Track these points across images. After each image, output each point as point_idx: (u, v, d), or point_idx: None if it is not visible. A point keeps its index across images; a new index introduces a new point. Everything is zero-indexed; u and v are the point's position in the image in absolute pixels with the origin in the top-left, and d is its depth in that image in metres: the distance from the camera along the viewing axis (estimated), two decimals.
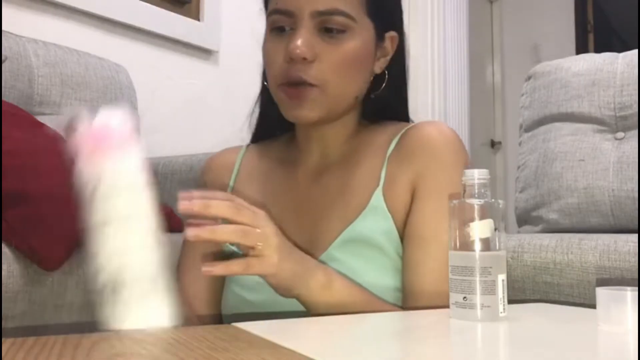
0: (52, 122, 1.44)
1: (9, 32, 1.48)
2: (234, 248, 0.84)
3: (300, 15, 0.86)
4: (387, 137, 0.94)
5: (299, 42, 0.85)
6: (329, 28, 0.86)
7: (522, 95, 1.90)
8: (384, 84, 0.95)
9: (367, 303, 0.82)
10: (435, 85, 3.21)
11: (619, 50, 1.77)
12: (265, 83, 0.96)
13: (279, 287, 0.77)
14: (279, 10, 0.88)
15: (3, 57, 1.41)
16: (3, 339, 0.55)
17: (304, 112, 0.88)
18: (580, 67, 1.76)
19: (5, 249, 0.95)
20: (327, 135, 0.95)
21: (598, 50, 2.80)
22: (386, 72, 0.96)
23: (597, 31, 4.15)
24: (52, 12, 1.77)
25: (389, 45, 0.96)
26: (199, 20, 2.20)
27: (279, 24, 0.88)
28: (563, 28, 4.13)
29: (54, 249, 0.96)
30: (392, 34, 0.95)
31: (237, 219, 0.72)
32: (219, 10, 2.27)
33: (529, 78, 1.89)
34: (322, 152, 0.96)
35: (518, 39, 4.26)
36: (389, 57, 0.96)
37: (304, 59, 0.85)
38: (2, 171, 0.98)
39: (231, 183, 0.99)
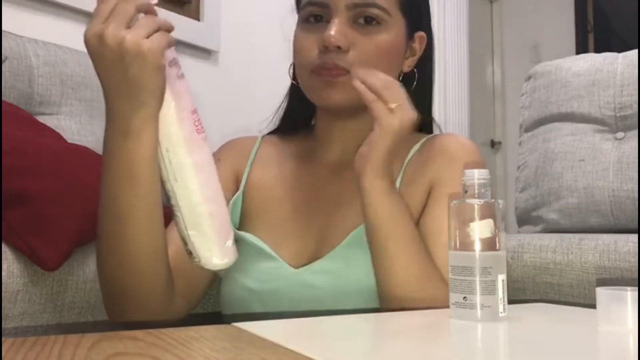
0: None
1: (9, 32, 1.48)
2: None
3: (335, 7, 0.88)
4: (408, 143, 0.96)
5: (333, 31, 0.87)
6: (365, 19, 0.89)
7: (522, 95, 1.90)
8: (414, 83, 0.97)
9: (407, 239, 0.83)
10: (435, 85, 3.20)
11: (619, 50, 1.77)
12: (293, 81, 0.98)
13: (370, 144, 0.81)
14: (314, 2, 0.91)
15: (3, 57, 1.41)
16: (3, 339, 0.55)
17: (335, 94, 0.89)
18: (580, 67, 1.76)
19: (5, 249, 0.95)
20: (349, 131, 0.97)
21: (598, 50, 2.80)
22: (415, 71, 0.97)
23: (597, 31, 4.15)
24: (52, 12, 1.77)
25: (418, 45, 0.97)
26: (199, 20, 2.20)
27: (314, 14, 0.91)
28: (563, 28, 4.13)
29: (54, 249, 0.96)
30: (421, 34, 0.97)
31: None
32: (219, 10, 2.26)
33: (529, 78, 1.89)
34: (342, 148, 0.98)
35: (518, 39, 4.26)
36: (416, 57, 0.97)
37: (339, 47, 0.87)
38: (2, 171, 0.98)
39: (247, 169, 1.00)
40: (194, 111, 0.74)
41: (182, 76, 0.74)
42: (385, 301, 0.83)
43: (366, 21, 0.89)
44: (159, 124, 0.72)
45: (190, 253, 0.75)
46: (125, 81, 0.69)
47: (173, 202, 0.74)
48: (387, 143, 0.81)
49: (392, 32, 0.91)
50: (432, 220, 0.88)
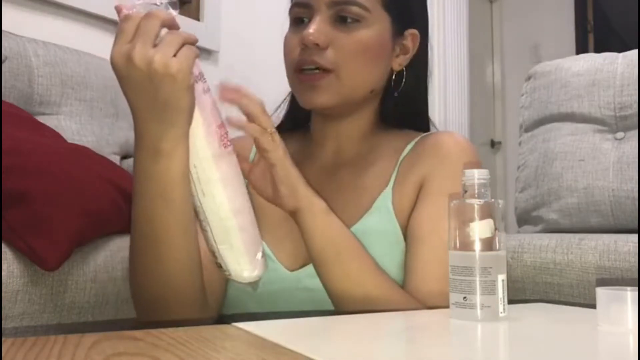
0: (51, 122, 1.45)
1: (9, 32, 1.48)
2: None
3: (316, 5, 0.89)
4: (403, 142, 0.96)
5: (312, 29, 0.88)
6: (343, 17, 0.89)
7: (522, 95, 1.90)
8: (403, 81, 0.96)
9: (357, 251, 0.82)
10: (435, 85, 3.21)
11: (619, 50, 1.77)
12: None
13: (284, 182, 0.78)
14: (298, 2, 0.92)
15: (3, 57, 1.41)
16: (3, 339, 0.55)
17: (319, 97, 0.89)
18: (580, 67, 1.76)
19: (5, 249, 0.95)
20: (342, 131, 0.97)
21: (598, 50, 2.80)
22: (404, 70, 0.97)
23: (597, 31, 4.15)
24: (52, 12, 1.77)
25: (410, 42, 0.97)
26: (199, 20, 2.20)
27: (298, 16, 0.92)
28: (563, 28, 4.13)
29: (54, 249, 0.96)
30: (413, 31, 0.96)
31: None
32: (219, 10, 2.27)
33: (529, 78, 1.89)
34: (337, 148, 0.97)
35: (518, 39, 4.26)
36: (409, 56, 0.97)
37: (316, 44, 0.88)
38: (2, 171, 0.98)
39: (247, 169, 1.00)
40: (221, 125, 0.73)
41: (208, 90, 0.73)
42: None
43: (345, 19, 0.89)
44: None
45: (220, 266, 0.75)
46: (154, 102, 0.67)
47: (201, 217, 0.74)
48: (290, 170, 0.79)
49: (372, 29, 0.90)
50: (422, 220, 0.87)
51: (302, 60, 0.89)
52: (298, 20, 0.92)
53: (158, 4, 0.70)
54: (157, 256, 0.74)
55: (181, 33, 0.70)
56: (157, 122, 0.69)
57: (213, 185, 0.72)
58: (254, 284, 0.78)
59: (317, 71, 0.88)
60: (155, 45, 0.67)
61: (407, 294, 0.82)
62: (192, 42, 0.70)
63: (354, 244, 0.82)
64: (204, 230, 0.74)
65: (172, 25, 0.70)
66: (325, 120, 0.97)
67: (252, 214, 0.77)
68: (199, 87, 0.72)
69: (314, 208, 0.80)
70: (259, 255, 0.76)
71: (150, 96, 0.67)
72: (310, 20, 0.90)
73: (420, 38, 0.98)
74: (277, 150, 0.78)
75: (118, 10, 0.69)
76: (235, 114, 0.79)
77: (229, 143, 0.74)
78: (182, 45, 0.68)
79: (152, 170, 0.70)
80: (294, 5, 0.93)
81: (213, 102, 0.74)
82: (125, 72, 0.67)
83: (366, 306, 0.79)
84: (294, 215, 0.80)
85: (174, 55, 0.67)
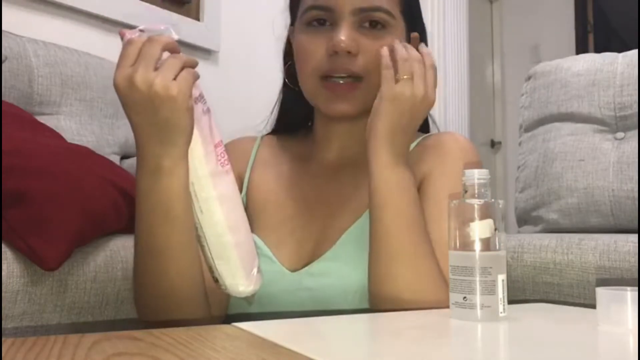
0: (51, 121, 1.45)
1: (9, 32, 1.48)
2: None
3: (340, 11, 0.89)
4: None
5: (344, 36, 0.87)
6: (370, 23, 0.89)
7: (522, 95, 1.90)
8: None
9: (409, 212, 0.82)
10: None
11: (619, 50, 1.77)
12: (286, 80, 0.99)
13: (375, 116, 0.83)
14: (318, 6, 0.90)
15: (3, 57, 1.41)
16: (3, 339, 0.55)
17: (347, 107, 0.90)
18: (580, 67, 1.76)
19: (5, 249, 0.95)
20: (347, 131, 0.97)
21: (598, 50, 2.80)
22: None
23: (597, 31, 4.15)
24: (52, 12, 1.77)
25: (413, 45, 0.97)
26: (199, 20, 2.20)
27: (319, 18, 0.91)
28: (563, 28, 4.13)
29: (54, 249, 0.96)
30: (415, 34, 0.97)
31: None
32: (219, 10, 2.27)
33: (529, 78, 1.89)
34: (340, 148, 0.98)
35: (518, 39, 4.26)
36: None
37: (349, 52, 0.87)
38: (2, 171, 0.98)
39: (248, 170, 1.00)
40: (218, 144, 0.76)
41: (207, 111, 0.76)
42: (376, 298, 0.82)
43: (371, 25, 0.89)
44: None
45: (216, 280, 0.78)
46: (155, 123, 0.70)
47: (199, 232, 0.76)
48: (388, 112, 0.82)
49: (395, 35, 0.91)
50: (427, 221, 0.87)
51: (333, 68, 0.88)
52: (316, 22, 0.91)
53: (162, 28, 0.73)
54: (160, 270, 0.76)
55: (182, 57, 0.72)
56: (158, 142, 0.71)
57: (210, 202, 0.75)
58: (249, 298, 0.80)
59: (347, 79, 0.88)
60: (156, 69, 0.70)
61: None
62: (192, 65, 0.73)
63: (404, 205, 0.82)
64: (201, 246, 0.77)
65: (173, 49, 0.73)
66: (330, 121, 0.97)
67: (249, 230, 0.80)
68: (198, 108, 0.75)
69: (378, 156, 0.82)
70: (255, 270, 0.79)
71: (151, 117, 0.70)
72: (332, 24, 0.89)
73: (420, 40, 0.98)
74: (389, 86, 0.83)
75: (122, 35, 0.72)
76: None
77: (226, 162, 0.77)
78: (182, 68, 0.71)
79: (154, 188, 0.73)
80: (312, 8, 0.91)
81: (212, 122, 0.77)
82: (127, 94, 0.70)
83: (402, 290, 0.80)
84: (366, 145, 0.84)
85: (174, 79, 0.70)
